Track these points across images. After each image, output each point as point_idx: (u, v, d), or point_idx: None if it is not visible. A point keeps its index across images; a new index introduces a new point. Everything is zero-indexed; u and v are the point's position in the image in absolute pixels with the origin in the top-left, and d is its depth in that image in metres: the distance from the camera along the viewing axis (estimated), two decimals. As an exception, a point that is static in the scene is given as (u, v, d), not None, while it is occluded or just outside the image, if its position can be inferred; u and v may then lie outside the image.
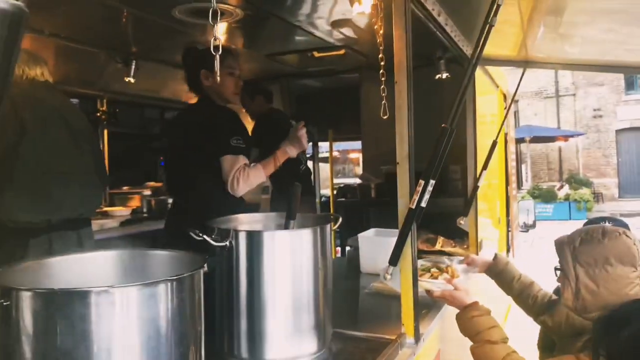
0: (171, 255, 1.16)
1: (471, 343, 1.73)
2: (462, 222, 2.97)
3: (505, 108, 4.56)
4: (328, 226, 1.60)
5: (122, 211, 3.50)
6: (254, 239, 1.47)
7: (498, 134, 3.12)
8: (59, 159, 2.17)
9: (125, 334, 0.89)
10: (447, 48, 2.77)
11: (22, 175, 2.06)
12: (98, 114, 4.07)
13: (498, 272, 2.19)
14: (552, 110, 21.09)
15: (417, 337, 1.70)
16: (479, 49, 1.61)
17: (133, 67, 3.89)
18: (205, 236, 1.44)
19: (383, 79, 1.74)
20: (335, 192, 5.23)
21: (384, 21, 1.83)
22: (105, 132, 4.19)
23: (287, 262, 1.48)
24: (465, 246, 3.15)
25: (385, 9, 1.97)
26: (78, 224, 2.23)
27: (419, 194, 1.62)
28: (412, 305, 1.69)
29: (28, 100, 2.21)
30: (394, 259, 1.66)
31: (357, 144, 6.26)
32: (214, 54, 1.08)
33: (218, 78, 1.22)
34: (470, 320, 1.72)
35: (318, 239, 1.54)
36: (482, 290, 2.86)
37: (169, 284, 0.94)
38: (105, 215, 3.38)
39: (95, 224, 3.03)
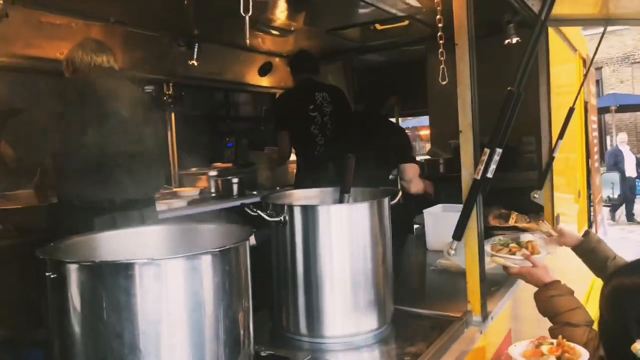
0: (220, 228, 1.14)
1: (550, 323, 1.61)
2: (537, 196, 2.79)
3: (584, 74, 4.23)
4: (386, 200, 1.53)
5: (190, 191, 3.58)
6: (308, 213, 1.43)
7: (575, 100, 2.88)
8: (123, 142, 2.23)
9: (169, 306, 0.88)
10: (516, 10, 2.57)
11: (88, 157, 2.14)
12: (165, 98, 4.17)
13: (589, 250, 2.02)
14: (640, 76, 19.49)
15: (485, 315, 1.61)
16: (547, 6, 1.46)
17: (196, 50, 3.94)
18: (259, 212, 1.42)
19: (441, 41, 1.63)
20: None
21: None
22: (172, 115, 4.30)
23: (343, 237, 1.43)
24: (540, 221, 2.96)
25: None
26: (141, 204, 2.29)
27: (484, 164, 1.51)
28: (479, 282, 1.59)
29: (93, 86, 2.28)
30: (458, 234, 1.56)
31: (427, 121, 6.06)
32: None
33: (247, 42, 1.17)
34: (550, 300, 1.59)
35: (375, 213, 1.48)
36: (561, 268, 2.69)
37: (214, 255, 0.92)
38: (174, 195, 3.48)
39: (164, 204, 3.12)
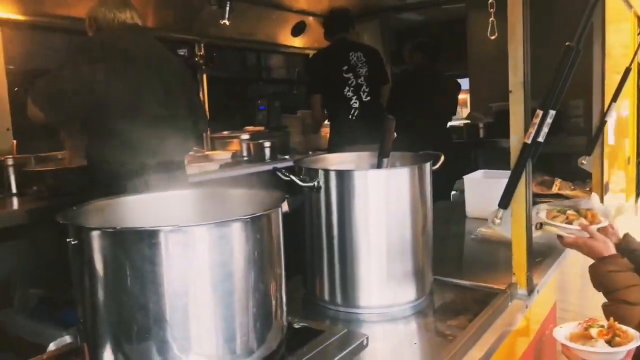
0: (250, 193, 1.07)
1: (601, 299, 1.50)
2: (584, 162, 2.62)
3: (638, 34, 3.95)
4: (427, 165, 1.43)
5: (222, 155, 3.54)
6: (344, 179, 1.34)
7: (632, 60, 2.68)
8: (149, 103, 2.17)
9: (197, 276, 0.82)
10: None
11: (114, 118, 2.09)
12: (196, 59, 4.10)
13: (629, 251, 1.84)
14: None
15: (531, 288, 1.51)
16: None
17: (227, 9, 3.83)
18: (292, 176, 1.34)
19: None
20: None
21: None
22: (204, 77, 4.23)
23: (381, 204, 1.34)
24: (587, 189, 2.81)
25: None
26: (171, 167, 2.24)
27: (535, 127, 1.38)
28: (525, 253, 1.49)
29: (118, 43, 2.21)
30: (505, 201, 1.46)
31: (464, 84, 5.84)
32: None
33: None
34: (607, 275, 1.47)
35: (416, 179, 1.38)
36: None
37: (244, 222, 0.85)
38: (206, 158, 3.45)
39: (196, 167, 3.09)
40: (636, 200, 4.32)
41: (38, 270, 2.41)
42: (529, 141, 1.40)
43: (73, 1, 3.15)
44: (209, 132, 4.14)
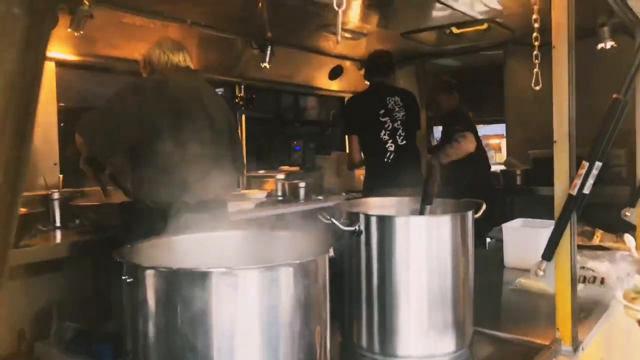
0: (297, 237, 1.08)
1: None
2: (628, 214, 2.56)
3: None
4: (470, 213, 1.42)
5: (258, 194, 3.59)
6: (385, 224, 1.34)
7: (677, 110, 2.63)
8: (197, 143, 2.23)
9: (245, 318, 0.83)
10: (613, 12, 2.38)
11: (162, 157, 2.14)
12: (236, 100, 4.22)
13: None
14: None
15: (576, 345, 1.46)
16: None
17: (268, 52, 3.95)
18: (333, 219, 1.35)
19: (537, 43, 1.50)
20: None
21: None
22: (243, 117, 4.34)
23: (422, 252, 1.33)
24: (624, 235, 2.72)
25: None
26: (213, 206, 2.28)
27: (581, 178, 1.37)
28: (570, 308, 1.44)
29: (167, 83, 2.30)
30: (549, 253, 1.43)
31: (497, 129, 5.83)
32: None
33: (339, 37, 1.11)
34: None
35: (458, 227, 1.37)
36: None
37: (292, 268, 0.86)
38: (242, 197, 3.50)
39: (233, 206, 3.13)
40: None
41: (76, 303, 2.44)
42: (574, 193, 1.38)
43: (123, 43, 3.31)
44: (245, 171, 4.21)
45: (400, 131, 3.59)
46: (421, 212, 1.42)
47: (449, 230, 1.36)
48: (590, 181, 1.39)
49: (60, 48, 3.07)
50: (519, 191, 4.10)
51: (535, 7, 1.50)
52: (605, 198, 3.19)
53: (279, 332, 0.85)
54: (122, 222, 2.39)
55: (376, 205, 1.64)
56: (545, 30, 1.60)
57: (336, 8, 0.86)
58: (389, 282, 1.33)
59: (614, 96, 1.31)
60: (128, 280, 0.84)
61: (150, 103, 2.18)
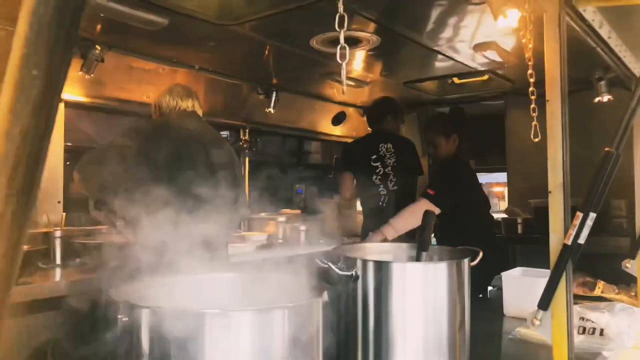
0: (292, 281, 1.10)
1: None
2: (629, 266, 2.55)
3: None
4: (466, 261, 1.44)
5: (258, 236, 3.60)
6: (382, 270, 1.36)
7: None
8: (196, 183, 2.25)
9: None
10: (609, 67, 2.45)
11: (159, 197, 2.16)
12: (241, 143, 4.29)
13: None
14: None
15: (574, 397, 1.44)
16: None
17: (273, 98, 4.05)
18: (330, 264, 1.37)
19: (533, 97, 1.55)
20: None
21: (534, 36, 1.65)
22: (247, 160, 4.40)
23: (418, 298, 1.34)
24: (632, 294, 2.70)
25: (535, 22, 1.78)
26: (211, 247, 2.28)
27: (575, 228, 1.38)
28: (567, 358, 1.43)
29: (172, 126, 2.35)
30: (544, 303, 1.43)
31: (500, 177, 5.87)
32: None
33: (345, 88, 1.15)
34: None
35: (454, 274, 1.39)
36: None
37: (286, 310, 0.87)
38: (243, 239, 3.51)
39: (233, 248, 3.14)
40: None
41: (73, 342, 2.42)
42: (569, 242, 1.39)
43: (132, 86, 3.41)
44: (249, 213, 4.23)
45: (391, 177, 3.68)
46: (417, 259, 1.44)
47: (445, 277, 1.37)
48: (586, 231, 1.40)
49: (70, 89, 3.16)
50: (520, 240, 4.10)
51: (530, 63, 1.56)
52: (607, 249, 3.20)
53: (270, 375, 0.86)
54: (123, 261, 2.40)
55: (373, 251, 1.65)
56: (542, 83, 1.65)
57: (339, 61, 0.91)
58: (384, 328, 1.33)
59: (606, 149, 1.35)
60: (123, 319, 0.85)
61: (148, 145, 2.21)
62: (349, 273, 1.36)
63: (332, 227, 4.27)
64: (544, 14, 1.50)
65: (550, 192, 1.46)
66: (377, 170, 3.68)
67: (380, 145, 3.73)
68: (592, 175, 1.36)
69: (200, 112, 2.58)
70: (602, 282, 2.92)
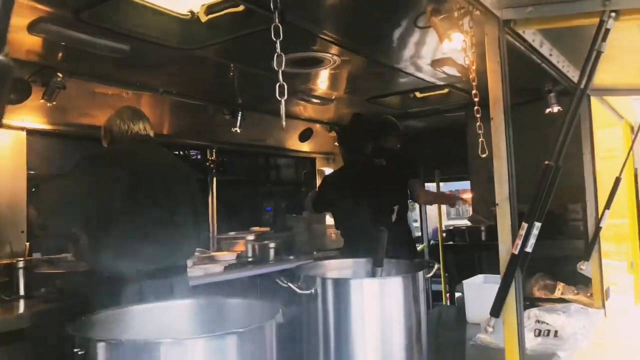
0: (249, 304, 1.14)
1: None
2: (583, 268, 2.65)
3: (633, 141, 4.11)
4: (421, 274, 1.49)
5: (227, 256, 3.61)
6: (340, 287, 1.41)
7: (622, 170, 2.80)
8: (154, 213, 2.23)
9: (194, 388, 0.87)
10: (556, 80, 2.57)
11: (117, 227, 2.15)
12: (208, 164, 4.30)
13: None
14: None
15: (527, 400, 1.50)
16: (585, 78, 1.46)
17: (239, 118, 4.08)
18: (290, 284, 1.41)
19: (478, 115, 1.63)
20: (444, 235, 5.02)
21: (477, 57, 1.74)
22: (214, 180, 4.41)
23: (376, 313, 1.39)
24: (589, 294, 2.81)
25: (478, 44, 1.87)
26: (170, 273, 2.27)
27: (522, 238, 1.46)
28: (519, 362, 1.50)
29: (127, 154, 2.34)
30: (496, 310, 1.49)
31: (465, 185, 6.02)
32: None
33: (284, 123, 1.20)
34: None
35: (410, 287, 1.44)
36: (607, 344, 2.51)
37: (239, 335, 0.91)
38: (211, 259, 3.51)
39: (201, 269, 3.14)
40: (644, 305, 4.25)
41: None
42: (516, 252, 1.46)
43: (95, 112, 3.40)
44: (215, 233, 4.24)
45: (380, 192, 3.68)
46: (373, 275, 1.49)
47: (401, 291, 1.43)
48: (532, 240, 1.48)
49: (31, 117, 3.14)
50: (484, 247, 4.20)
51: (474, 83, 1.64)
52: (565, 251, 3.31)
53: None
54: (88, 289, 2.39)
55: (334, 267, 1.70)
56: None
57: (278, 98, 0.96)
58: (345, 343, 1.37)
59: (545, 162, 1.43)
60: (80, 352, 0.88)
61: (106, 177, 2.20)
62: (308, 292, 1.40)
63: (303, 242, 4.32)
64: (485, 37, 1.59)
65: (497, 204, 1.54)
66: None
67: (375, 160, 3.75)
68: (535, 187, 1.43)
69: (151, 134, 2.55)
70: (561, 283, 3.02)
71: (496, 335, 1.55)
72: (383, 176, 3.67)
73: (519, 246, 1.47)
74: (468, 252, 4.35)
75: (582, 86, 1.46)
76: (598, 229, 2.71)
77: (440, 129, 5.47)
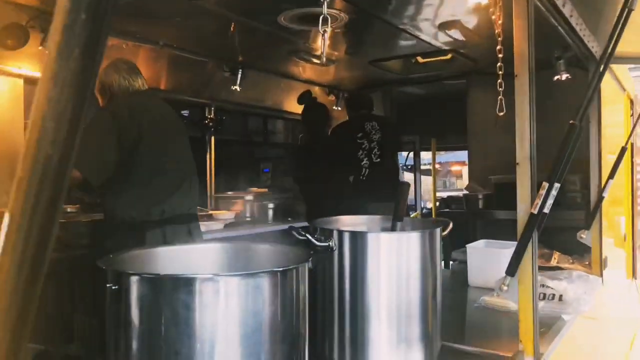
0: (276, 249, 1.12)
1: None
2: (584, 237, 2.68)
3: (631, 115, 4.13)
4: (438, 231, 1.49)
5: (226, 214, 3.59)
6: (358, 240, 1.39)
7: (628, 139, 2.81)
8: (170, 160, 2.27)
9: (228, 324, 0.85)
10: (569, 46, 2.54)
11: (138, 175, 2.17)
12: (206, 122, 4.23)
13: None
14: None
15: (537, 356, 1.53)
16: (615, 37, 1.43)
17: (239, 76, 4.00)
18: (308, 235, 1.39)
19: (501, 72, 1.60)
20: (438, 203, 5.04)
21: (503, 12, 1.70)
22: (212, 139, 4.35)
23: (393, 267, 1.38)
24: (586, 262, 2.85)
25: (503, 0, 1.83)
26: (188, 219, 2.32)
27: (541, 198, 1.45)
28: (532, 321, 1.51)
29: (142, 107, 2.33)
30: (512, 269, 1.50)
31: (459, 156, 6.03)
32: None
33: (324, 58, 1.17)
34: None
35: (427, 243, 1.43)
36: (604, 316, 2.57)
37: (274, 275, 0.89)
38: (210, 217, 3.49)
39: (201, 225, 3.12)
40: (632, 279, 4.35)
41: (38, 324, 2.38)
42: (535, 212, 1.46)
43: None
44: (213, 192, 4.21)
45: (375, 150, 3.97)
46: (392, 229, 1.48)
47: (418, 246, 1.42)
48: (550, 201, 1.48)
49: (29, 65, 3.04)
50: (481, 214, 4.24)
51: (499, 39, 1.61)
52: (562, 222, 3.33)
53: (260, 340, 0.88)
54: (94, 240, 2.38)
55: (348, 223, 1.69)
56: (506, 61, 1.71)
57: (320, 31, 0.92)
58: (360, 297, 1.37)
59: (571, 122, 1.41)
60: (113, 287, 0.86)
61: (126, 127, 2.20)
62: (326, 244, 1.39)
63: (300, 205, 4.31)
64: (512, -8, 1.55)
65: (518, 164, 1.53)
66: (363, 146, 3.98)
67: (366, 123, 4.05)
68: (557, 148, 1.42)
69: (146, 87, 2.55)
70: (557, 253, 3.07)
71: (510, 294, 1.56)
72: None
73: (538, 206, 1.47)
74: (463, 220, 4.38)
75: (611, 46, 1.43)
76: (600, 198, 2.74)
77: (439, 97, 5.44)
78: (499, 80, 1.60)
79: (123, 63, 2.52)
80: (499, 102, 1.62)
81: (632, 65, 3.81)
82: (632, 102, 4.16)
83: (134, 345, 0.85)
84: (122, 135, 2.20)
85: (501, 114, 1.64)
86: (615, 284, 3.42)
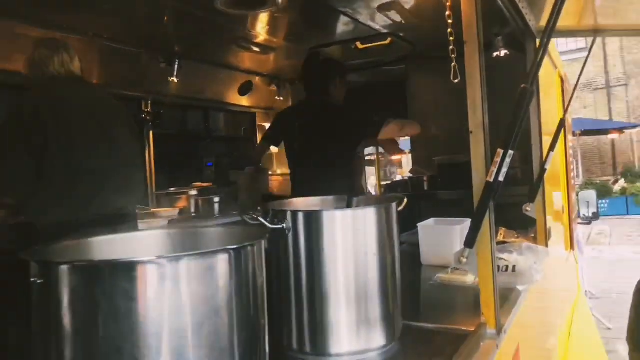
0: (227, 230, 1.02)
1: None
2: (529, 209, 2.72)
3: (562, 92, 4.29)
4: (394, 205, 1.43)
5: (169, 212, 3.42)
6: (312, 219, 1.32)
7: (565, 112, 2.88)
8: (87, 155, 2.09)
9: (177, 314, 0.75)
10: (507, 22, 2.56)
11: (50, 175, 2.00)
12: (143, 116, 4.03)
13: None
14: (602, 102, 20.27)
15: (499, 328, 1.51)
16: (558, 5, 1.42)
17: (176, 67, 3.84)
18: (261, 218, 1.30)
19: (452, 38, 1.58)
20: (382, 189, 5.06)
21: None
22: (151, 133, 4.15)
23: (350, 245, 1.32)
24: (531, 236, 2.91)
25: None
26: (116, 220, 2.14)
27: (497, 166, 1.43)
28: (492, 292, 1.50)
29: (50, 99, 2.15)
30: (471, 241, 1.47)
31: (406, 144, 6.07)
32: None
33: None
34: None
35: (383, 218, 1.38)
36: (548, 281, 2.62)
37: (228, 254, 0.80)
38: (153, 215, 3.32)
39: (143, 224, 2.95)
40: (570, 251, 4.53)
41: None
42: (491, 180, 1.43)
43: (17, 56, 3.03)
44: (154, 190, 4.02)
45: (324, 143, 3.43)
46: (348, 205, 1.42)
47: (374, 222, 1.36)
48: (505, 169, 1.45)
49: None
50: (427, 196, 4.27)
51: (448, 4, 1.58)
52: (505, 199, 3.39)
53: (216, 329, 0.78)
54: (13, 243, 2.19)
55: (302, 205, 1.61)
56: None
57: None
58: (317, 279, 1.30)
59: (522, 86, 1.39)
60: (38, 282, 0.74)
61: (30, 124, 2.03)
62: (280, 226, 1.31)
63: (246, 198, 4.19)
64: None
65: (471, 132, 1.50)
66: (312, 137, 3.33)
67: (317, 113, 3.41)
68: (512, 113, 1.40)
69: (78, 72, 2.39)
70: (502, 228, 3.12)
71: (469, 266, 1.53)
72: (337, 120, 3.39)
73: (493, 174, 1.44)
74: (409, 203, 4.39)
75: (554, 18, 1.42)
76: (543, 170, 2.79)
77: (380, 84, 5.44)
78: (451, 47, 1.57)
79: (58, 42, 2.37)
80: (452, 68, 1.59)
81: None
82: (562, 80, 4.31)
83: (68, 348, 0.72)
84: (34, 137, 2.04)
85: (456, 80, 1.61)
86: (557, 256, 3.53)
